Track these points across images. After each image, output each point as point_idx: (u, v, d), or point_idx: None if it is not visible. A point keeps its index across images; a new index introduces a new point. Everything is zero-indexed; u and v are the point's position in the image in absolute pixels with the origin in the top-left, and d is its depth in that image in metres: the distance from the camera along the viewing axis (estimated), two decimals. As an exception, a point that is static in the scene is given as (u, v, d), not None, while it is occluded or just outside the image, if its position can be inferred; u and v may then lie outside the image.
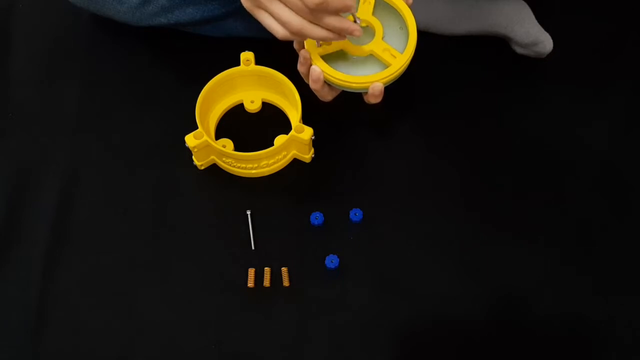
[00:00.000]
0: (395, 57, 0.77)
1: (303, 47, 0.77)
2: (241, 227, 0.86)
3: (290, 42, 0.79)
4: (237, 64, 0.90)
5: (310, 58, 0.76)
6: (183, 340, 0.79)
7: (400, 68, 0.77)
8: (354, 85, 0.77)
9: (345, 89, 0.78)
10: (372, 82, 0.76)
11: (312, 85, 0.78)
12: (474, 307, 0.81)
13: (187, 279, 0.83)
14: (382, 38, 0.78)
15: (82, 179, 0.89)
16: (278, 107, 0.94)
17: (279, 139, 0.88)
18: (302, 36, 0.70)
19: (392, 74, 0.76)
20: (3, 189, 0.88)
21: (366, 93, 0.78)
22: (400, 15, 0.79)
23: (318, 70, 0.76)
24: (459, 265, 0.84)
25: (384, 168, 0.90)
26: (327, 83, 0.78)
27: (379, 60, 0.78)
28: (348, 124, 0.93)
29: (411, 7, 0.78)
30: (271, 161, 0.88)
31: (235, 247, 0.85)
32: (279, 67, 0.89)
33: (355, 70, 0.78)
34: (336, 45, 0.78)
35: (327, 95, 0.80)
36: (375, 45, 0.78)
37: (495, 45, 0.98)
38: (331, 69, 0.77)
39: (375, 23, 0.79)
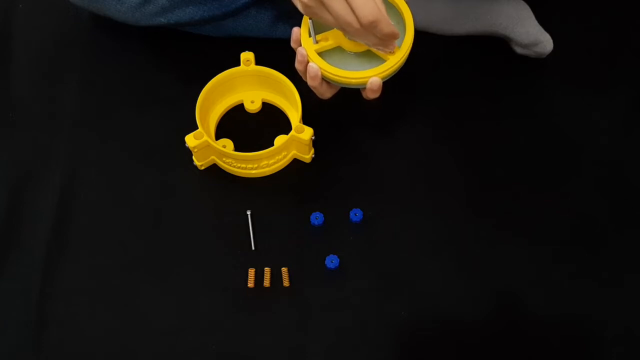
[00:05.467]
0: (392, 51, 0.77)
1: (300, 45, 0.77)
2: (241, 228, 0.86)
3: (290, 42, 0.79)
4: (237, 64, 0.90)
5: (308, 55, 0.76)
6: (183, 341, 0.79)
7: (398, 62, 0.77)
8: (352, 81, 0.77)
9: (343, 85, 0.78)
10: (370, 77, 0.76)
11: (310, 83, 0.77)
12: (473, 306, 0.81)
13: (187, 279, 0.83)
14: None
15: (82, 179, 0.89)
16: (278, 107, 0.94)
17: (279, 139, 0.88)
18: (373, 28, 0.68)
19: (389, 68, 0.76)
20: (3, 189, 0.88)
21: (364, 89, 0.77)
22: (397, 10, 0.79)
23: (315, 67, 0.76)
24: (459, 265, 0.84)
25: (384, 168, 0.90)
26: (326, 80, 0.78)
27: (376, 55, 0.78)
28: (348, 124, 0.93)
29: (408, 3, 0.78)
30: (271, 161, 0.88)
31: (235, 247, 0.85)
32: (279, 67, 0.89)
33: (353, 66, 0.78)
34: (333, 41, 0.78)
35: (326, 93, 0.80)
36: None
37: (495, 45, 0.98)
38: (329, 65, 0.77)
39: None
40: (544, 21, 0.95)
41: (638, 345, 0.80)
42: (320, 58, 0.77)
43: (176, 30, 0.96)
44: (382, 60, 0.77)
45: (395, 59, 0.76)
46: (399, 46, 0.77)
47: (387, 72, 0.77)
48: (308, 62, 0.76)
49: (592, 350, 0.80)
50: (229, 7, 0.92)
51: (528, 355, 0.80)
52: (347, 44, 0.78)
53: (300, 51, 0.76)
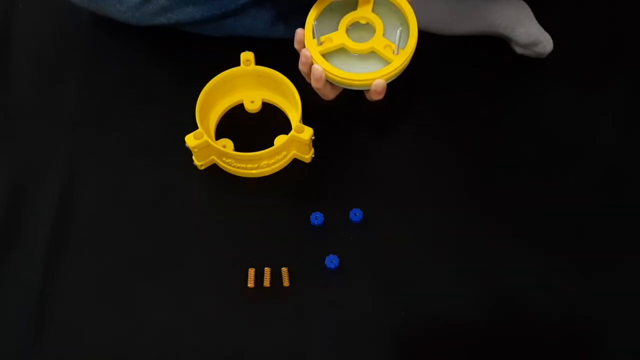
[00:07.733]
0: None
1: (303, 47, 0.77)
2: (241, 227, 0.86)
3: (290, 42, 0.80)
4: (237, 64, 0.90)
5: (312, 57, 0.76)
6: (183, 341, 0.79)
7: (402, 64, 0.77)
8: (356, 82, 0.77)
9: (347, 87, 0.78)
10: (374, 79, 0.76)
11: (314, 85, 0.77)
12: (474, 306, 0.81)
13: (187, 279, 0.83)
14: (383, 35, 0.78)
15: (82, 179, 0.89)
16: (278, 107, 0.94)
17: (279, 139, 0.88)
18: None
19: (394, 70, 0.76)
20: (3, 189, 0.88)
21: (368, 90, 0.77)
22: (401, 11, 0.79)
23: (320, 69, 0.76)
24: (459, 265, 0.84)
25: (384, 168, 0.90)
26: (329, 81, 0.78)
27: (380, 56, 0.78)
28: (348, 124, 0.93)
29: (411, 5, 0.78)
30: (271, 161, 0.88)
31: (235, 247, 0.85)
32: (279, 67, 0.89)
33: (357, 68, 0.78)
34: (337, 43, 0.78)
35: (329, 94, 0.80)
36: (376, 42, 0.78)
37: (495, 45, 0.98)
38: (333, 67, 0.77)
39: (376, 20, 0.78)
40: (544, 21, 0.95)
41: (638, 345, 0.80)
42: (324, 60, 0.77)
43: (176, 30, 0.96)
44: (386, 62, 0.77)
45: (399, 61, 0.76)
46: (403, 48, 0.77)
47: (391, 74, 0.77)
48: (312, 63, 0.76)
49: (592, 351, 0.80)
50: (229, 7, 0.92)
51: (528, 355, 0.80)
52: (352, 46, 0.78)
53: (304, 53, 0.76)
